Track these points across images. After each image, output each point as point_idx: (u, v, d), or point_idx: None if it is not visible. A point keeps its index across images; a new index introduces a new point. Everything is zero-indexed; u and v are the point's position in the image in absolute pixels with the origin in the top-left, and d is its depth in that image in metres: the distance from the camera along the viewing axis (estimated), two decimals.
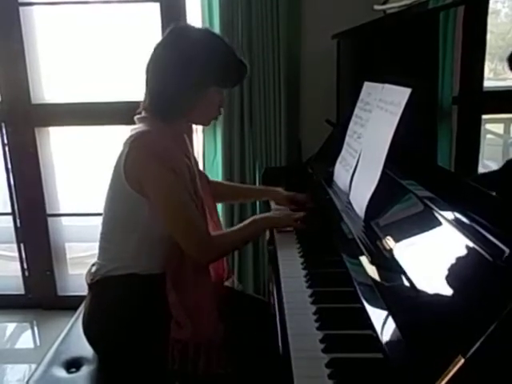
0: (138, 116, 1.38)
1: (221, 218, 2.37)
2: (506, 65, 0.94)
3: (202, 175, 1.60)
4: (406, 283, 0.90)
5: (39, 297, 2.74)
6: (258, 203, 2.41)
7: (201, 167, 2.44)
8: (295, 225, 1.52)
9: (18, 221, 2.65)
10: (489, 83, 1.00)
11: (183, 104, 1.35)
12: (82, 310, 1.47)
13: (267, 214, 1.59)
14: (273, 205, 1.79)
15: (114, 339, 1.30)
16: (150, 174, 1.26)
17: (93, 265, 1.42)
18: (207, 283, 1.41)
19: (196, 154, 2.51)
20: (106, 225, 1.38)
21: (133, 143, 1.27)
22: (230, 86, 1.47)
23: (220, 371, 1.27)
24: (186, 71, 1.30)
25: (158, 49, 1.35)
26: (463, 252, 0.82)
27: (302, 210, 1.60)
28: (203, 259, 1.35)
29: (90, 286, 1.38)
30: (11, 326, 2.67)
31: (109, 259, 1.36)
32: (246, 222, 1.47)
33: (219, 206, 2.40)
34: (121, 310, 1.30)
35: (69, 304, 2.39)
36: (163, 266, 1.35)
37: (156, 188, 1.27)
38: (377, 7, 1.75)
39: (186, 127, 1.54)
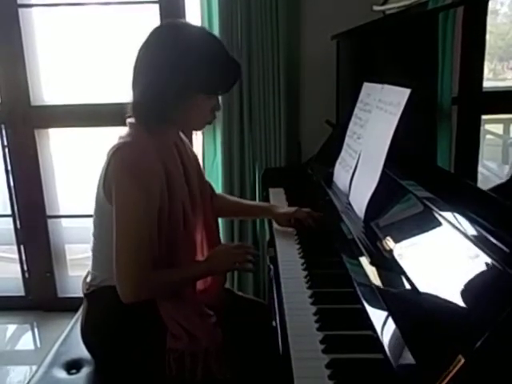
0: (128, 120, 1.30)
1: (220, 226, 2.37)
2: None
3: (206, 187, 1.54)
4: (406, 284, 0.90)
5: (39, 298, 2.73)
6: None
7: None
8: (238, 267, 1.40)
9: (17, 222, 2.65)
10: (488, 83, 1.00)
11: (167, 110, 1.25)
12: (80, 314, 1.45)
13: (209, 266, 1.36)
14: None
15: (111, 348, 1.29)
16: (119, 187, 1.20)
17: (88, 273, 1.39)
18: (199, 293, 1.38)
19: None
20: (94, 235, 1.34)
21: (112, 157, 1.21)
22: (220, 92, 1.32)
23: (219, 376, 1.25)
24: (168, 75, 1.21)
25: (142, 49, 1.27)
26: (463, 253, 0.82)
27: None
28: (128, 294, 1.19)
29: (86, 295, 1.36)
30: (11, 328, 2.67)
31: (100, 270, 1.33)
32: (200, 261, 1.39)
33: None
34: (116, 321, 1.28)
35: (69, 305, 2.38)
36: None
37: (118, 201, 1.20)
38: (376, 8, 1.75)
39: (177, 135, 1.41)
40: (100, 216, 1.31)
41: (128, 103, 1.28)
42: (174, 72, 1.21)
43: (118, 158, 1.21)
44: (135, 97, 1.27)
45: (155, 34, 1.27)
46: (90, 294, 1.35)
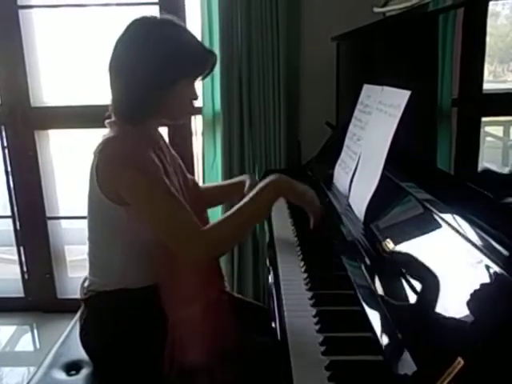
0: (108, 120, 1.32)
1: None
2: None
3: (188, 180, 1.52)
4: (406, 286, 0.90)
5: (39, 300, 2.73)
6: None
7: (200, 170, 2.44)
8: (314, 214, 1.37)
9: (17, 224, 2.65)
10: (488, 85, 1.00)
11: (151, 104, 1.26)
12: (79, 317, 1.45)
13: (282, 180, 1.31)
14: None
15: (110, 354, 1.29)
16: (124, 181, 1.18)
17: (85, 278, 1.38)
18: (203, 297, 1.34)
19: (196, 157, 2.52)
20: (90, 239, 1.33)
21: (100, 154, 1.21)
22: (201, 76, 1.35)
23: (218, 379, 1.24)
24: (151, 69, 1.22)
25: (119, 45, 1.28)
26: (462, 255, 0.82)
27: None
28: (198, 257, 1.21)
29: (83, 300, 1.35)
30: (11, 329, 2.67)
31: (98, 275, 1.33)
32: (251, 194, 1.27)
33: None
34: (114, 326, 1.27)
35: (68, 307, 2.38)
36: (152, 278, 1.28)
37: (133, 194, 1.19)
38: (376, 10, 1.76)
39: (157, 130, 1.43)
40: (96, 218, 1.29)
41: (109, 104, 1.32)
42: (153, 64, 1.22)
43: (108, 153, 1.20)
44: (115, 95, 1.30)
45: (128, 29, 1.30)
46: (88, 300, 1.34)
